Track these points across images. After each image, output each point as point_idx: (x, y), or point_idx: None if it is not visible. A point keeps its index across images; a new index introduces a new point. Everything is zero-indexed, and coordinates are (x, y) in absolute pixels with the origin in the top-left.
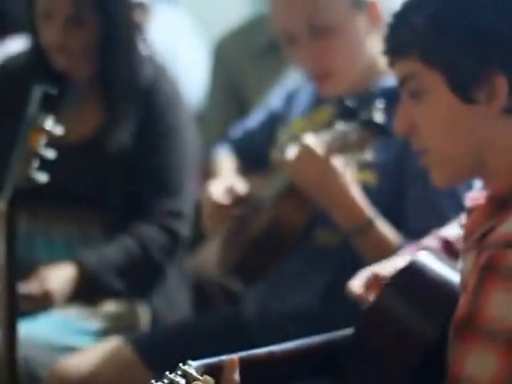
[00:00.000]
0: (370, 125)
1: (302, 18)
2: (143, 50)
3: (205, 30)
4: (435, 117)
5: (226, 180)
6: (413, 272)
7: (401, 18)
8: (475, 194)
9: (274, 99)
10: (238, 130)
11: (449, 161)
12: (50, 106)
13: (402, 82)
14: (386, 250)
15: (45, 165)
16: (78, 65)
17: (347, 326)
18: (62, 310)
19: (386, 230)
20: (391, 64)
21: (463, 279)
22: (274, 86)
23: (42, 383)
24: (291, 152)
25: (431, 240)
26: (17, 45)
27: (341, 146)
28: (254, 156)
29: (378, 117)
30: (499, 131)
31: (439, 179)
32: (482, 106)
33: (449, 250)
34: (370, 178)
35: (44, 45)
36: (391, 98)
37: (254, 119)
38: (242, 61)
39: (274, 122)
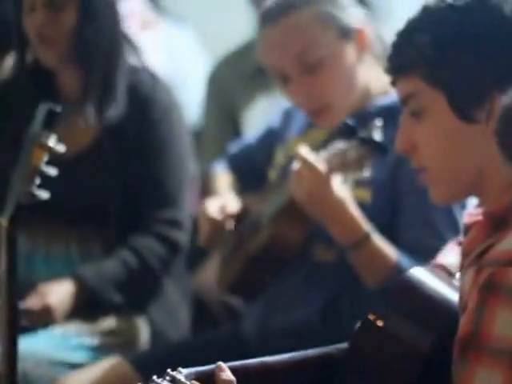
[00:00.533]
0: (368, 143)
1: (292, 57)
2: (142, 60)
3: (211, 48)
4: (435, 135)
5: (222, 197)
6: (407, 286)
7: (405, 37)
8: (473, 211)
9: (274, 116)
10: (235, 146)
11: (448, 179)
12: (53, 123)
13: (404, 100)
14: (382, 265)
15: (45, 181)
16: (61, 59)
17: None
18: (62, 325)
19: (383, 244)
20: (393, 82)
21: (462, 296)
22: (264, 105)
23: None
24: (294, 168)
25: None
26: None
27: (340, 164)
28: (251, 172)
29: (377, 135)
30: (497, 151)
31: (438, 197)
32: (481, 125)
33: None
34: (365, 194)
35: (30, 37)
36: (387, 116)
37: (253, 135)
38: (233, 83)
39: (272, 138)
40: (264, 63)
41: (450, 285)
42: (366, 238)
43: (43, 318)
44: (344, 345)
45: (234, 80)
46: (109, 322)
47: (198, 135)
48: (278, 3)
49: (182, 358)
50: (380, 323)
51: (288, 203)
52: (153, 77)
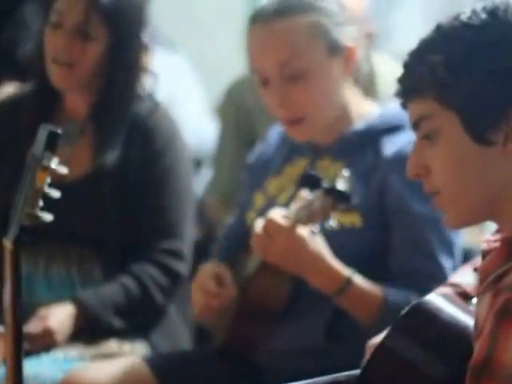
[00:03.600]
0: (332, 192)
1: (275, 63)
2: (143, 88)
3: (203, 73)
4: (449, 158)
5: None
6: (422, 312)
7: (417, 57)
8: (491, 237)
9: (246, 175)
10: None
11: (462, 202)
12: (55, 145)
13: (416, 123)
14: (370, 305)
15: (47, 203)
16: (74, 86)
17: (353, 361)
18: (64, 349)
19: (366, 284)
20: (404, 105)
21: (478, 322)
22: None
23: None
24: (257, 228)
25: (444, 289)
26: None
27: (307, 216)
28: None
29: (341, 184)
30: None
31: (452, 221)
32: (498, 147)
33: (462, 295)
34: (355, 219)
35: (47, 54)
36: (365, 141)
37: (234, 212)
38: (253, 104)
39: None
40: (249, 63)
41: (467, 312)
42: (348, 283)
43: (44, 342)
44: (355, 371)
45: (253, 100)
46: (110, 346)
47: (199, 162)
48: (274, 4)
49: (198, 366)
50: (394, 350)
51: (261, 265)
52: (155, 105)
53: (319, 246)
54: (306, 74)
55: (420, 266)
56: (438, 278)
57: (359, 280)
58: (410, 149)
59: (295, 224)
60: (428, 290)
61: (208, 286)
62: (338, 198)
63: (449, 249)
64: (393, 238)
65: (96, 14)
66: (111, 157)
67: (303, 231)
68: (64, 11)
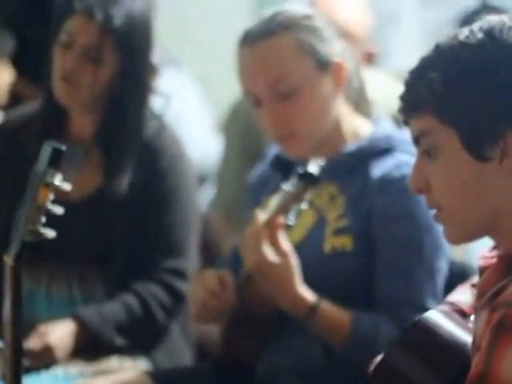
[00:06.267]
0: (305, 176)
1: (265, 84)
2: (150, 108)
3: (207, 89)
4: (448, 174)
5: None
6: (421, 329)
7: (416, 75)
8: (488, 253)
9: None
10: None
11: (461, 218)
12: (58, 162)
13: (416, 139)
14: (338, 332)
15: (50, 221)
16: (79, 104)
17: (353, 381)
18: (65, 366)
19: (333, 311)
20: (406, 122)
21: (476, 338)
22: None
23: None
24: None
25: (441, 306)
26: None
27: (283, 205)
28: None
29: (313, 168)
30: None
31: (451, 236)
32: (495, 164)
33: (459, 313)
34: (347, 242)
35: (55, 73)
36: (352, 165)
37: None
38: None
39: None
40: (240, 84)
41: (465, 328)
42: (313, 311)
43: (44, 358)
44: None
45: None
46: (111, 363)
47: (202, 177)
48: (259, 26)
49: (198, 381)
50: (394, 367)
51: (247, 274)
52: (161, 126)
53: (289, 269)
54: (297, 91)
55: (399, 293)
56: (416, 305)
57: (326, 307)
58: (397, 173)
59: (273, 227)
60: (405, 318)
61: (210, 284)
62: (309, 182)
63: (431, 275)
64: (376, 264)
65: (109, 38)
66: (122, 182)
67: (271, 255)
68: (76, 32)
